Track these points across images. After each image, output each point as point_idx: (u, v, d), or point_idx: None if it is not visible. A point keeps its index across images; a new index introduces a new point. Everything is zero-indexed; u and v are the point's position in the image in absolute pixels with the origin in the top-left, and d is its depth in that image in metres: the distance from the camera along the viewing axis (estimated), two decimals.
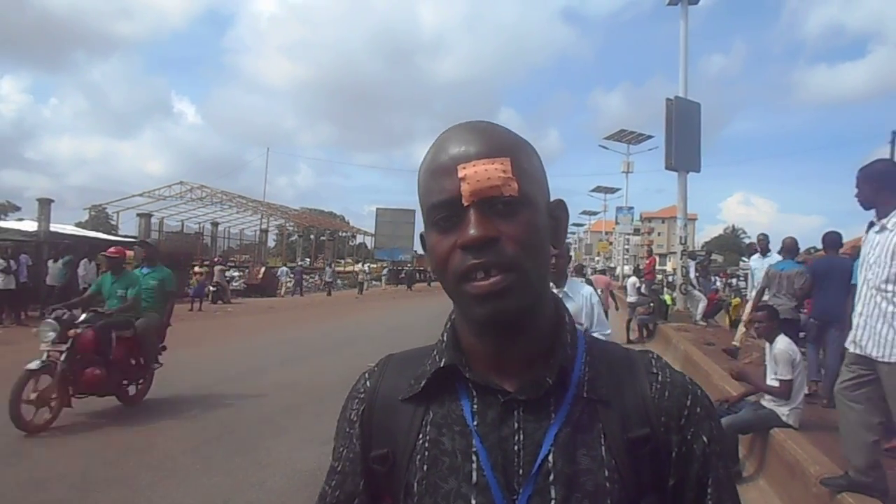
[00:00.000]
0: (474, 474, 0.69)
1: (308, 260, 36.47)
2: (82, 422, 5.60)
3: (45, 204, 17.47)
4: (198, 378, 7.72)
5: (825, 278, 5.95)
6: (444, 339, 0.77)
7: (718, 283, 16.15)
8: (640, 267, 18.42)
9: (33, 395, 5.21)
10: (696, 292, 13.84)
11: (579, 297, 3.65)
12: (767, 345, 4.71)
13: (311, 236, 50.55)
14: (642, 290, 13.84)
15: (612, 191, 49.32)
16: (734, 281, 25.13)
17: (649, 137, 35.66)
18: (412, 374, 0.77)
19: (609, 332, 3.80)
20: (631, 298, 13.56)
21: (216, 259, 25.91)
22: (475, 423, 0.71)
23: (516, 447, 0.69)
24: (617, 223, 41.62)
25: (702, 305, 13.18)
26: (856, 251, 4.48)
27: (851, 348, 3.34)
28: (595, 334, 2.33)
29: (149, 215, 28.42)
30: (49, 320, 5.62)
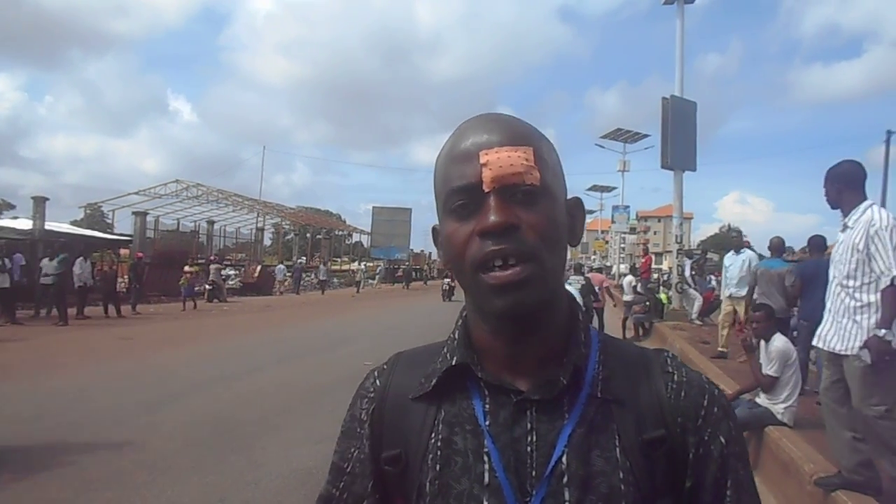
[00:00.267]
0: (486, 475, 0.67)
1: (304, 258, 36.37)
2: (77, 420, 5.59)
3: (39, 202, 17.42)
4: (193, 376, 7.70)
5: (812, 281, 6.02)
6: (456, 336, 0.75)
7: (714, 282, 16.19)
8: (637, 265, 18.46)
9: None
10: (692, 291, 13.88)
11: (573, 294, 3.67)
12: (763, 343, 4.73)
13: (308, 235, 50.45)
14: (638, 288, 13.88)
15: (608, 189, 49.45)
16: None
17: (645, 136, 35.77)
18: (422, 373, 0.76)
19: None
20: (627, 297, 13.59)
21: (212, 257, 25.78)
22: (487, 422, 0.69)
23: (529, 448, 0.67)
24: (613, 222, 41.64)
25: (697, 304, 13.22)
26: None
27: (815, 341, 3.46)
28: None
29: (144, 213, 28.35)
30: None
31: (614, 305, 14.57)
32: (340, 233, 55.43)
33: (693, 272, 14.64)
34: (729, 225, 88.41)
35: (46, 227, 17.54)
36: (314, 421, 5.61)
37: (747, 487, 0.70)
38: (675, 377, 0.73)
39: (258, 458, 4.74)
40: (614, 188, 47.46)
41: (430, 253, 63.02)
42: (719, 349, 8.46)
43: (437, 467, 0.69)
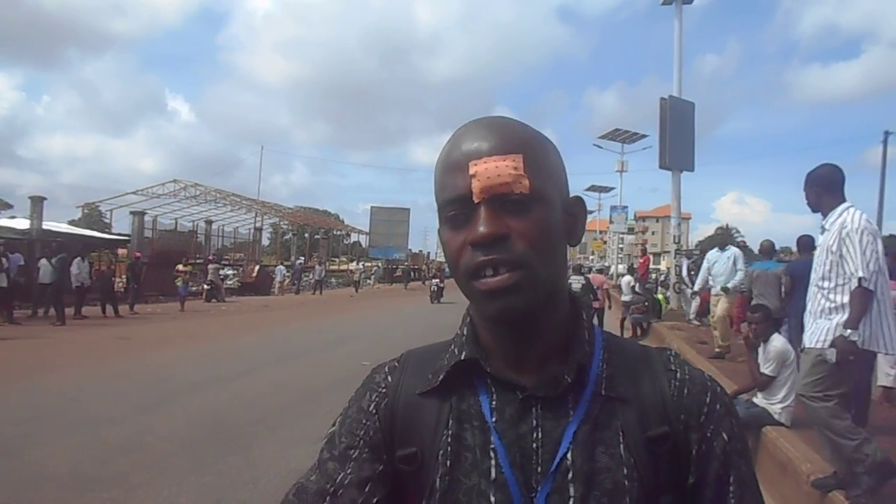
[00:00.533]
0: (493, 471, 0.68)
1: (303, 258, 36.35)
2: (74, 420, 5.58)
3: (37, 202, 17.40)
4: (190, 376, 7.69)
5: (802, 279, 6.07)
6: (465, 333, 0.77)
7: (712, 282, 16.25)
8: (635, 266, 18.48)
9: None
10: (690, 291, 13.89)
11: None
12: (762, 343, 4.75)
13: (306, 235, 50.45)
14: (636, 288, 13.89)
15: (606, 190, 49.48)
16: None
17: (643, 136, 35.79)
18: (430, 370, 0.77)
19: None
20: (625, 297, 13.61)
21: (210, 257, 25.75)
22: (493, 419, 0.70)
23: (534, 444, 0.68)
24: (611, 222, 41.66)
25: (695, 304, 13.22)
26: None
27: (801, 344, 3.53)
28: None
29: (142, 213, 28.27)
30: None
31: (608, 308, 14.58)
32: (339, 233, 55.41)
33: (691, 272, 14.66)
34: (727, 225, 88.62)
35: (44, 226, 17.52)
36: (312, 421, 5.61)
37: (750, 484, 0.71)
38: (679, 375, 0.74)
39: (256, 459, 4.74)
40: (612, 188, 47.54)
41: (429, 253, 63.10)
42: (717, 349, 8.48)
43: (448, 463, 0.70)
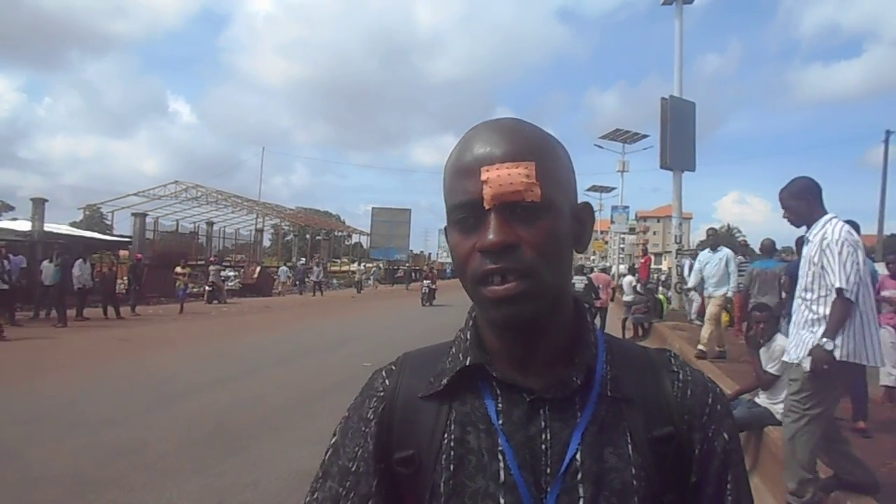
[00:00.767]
0: (501, 473, 0.68)
1: (304, 259, 36.38)
2: (76, 422, 5.58)
3: (38, 203, 17.42)
4: (192, 378, 7.70)
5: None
6: (468, 336, 0.76)
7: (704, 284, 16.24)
8: (636, 266, 18.47)
9: None
10: (684, 288, 13.88)
11: None
12: (765, 343, 4.73)
13: (307, 236, 50.46)
14: (638, 288, 13.88)
15: (607, 190, 49.40)
16: None
17: (644, 137, 35.70)
18: (430, 373, 0.76)
19: None
20: (627, 297, 13.60)
21: (211, 258, 25.76)
22: (500, 421, 0.71)
23: (543, 446, 0.69)
24: (612, 222, 41.58)
25: (696, 304, 13.20)
26: None
27: (785, 356, 3.56)
28: None
29: (143, 215, 28.33)
30: None
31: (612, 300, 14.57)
32: (340, 234, 55.42)
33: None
34: (728, 225, 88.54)
35: (45, 228, 17.55)
36: (313, 422, 5.61)
37: (744, 484, 0.73)
38: (681, 376, 0.75)
39: (257, 460, 4.74)
40: (613, 188, 47.45)
41: (430, 254, 63.17)
42: (717, 348, 8.46)
43: (451, 467, 0.70)
